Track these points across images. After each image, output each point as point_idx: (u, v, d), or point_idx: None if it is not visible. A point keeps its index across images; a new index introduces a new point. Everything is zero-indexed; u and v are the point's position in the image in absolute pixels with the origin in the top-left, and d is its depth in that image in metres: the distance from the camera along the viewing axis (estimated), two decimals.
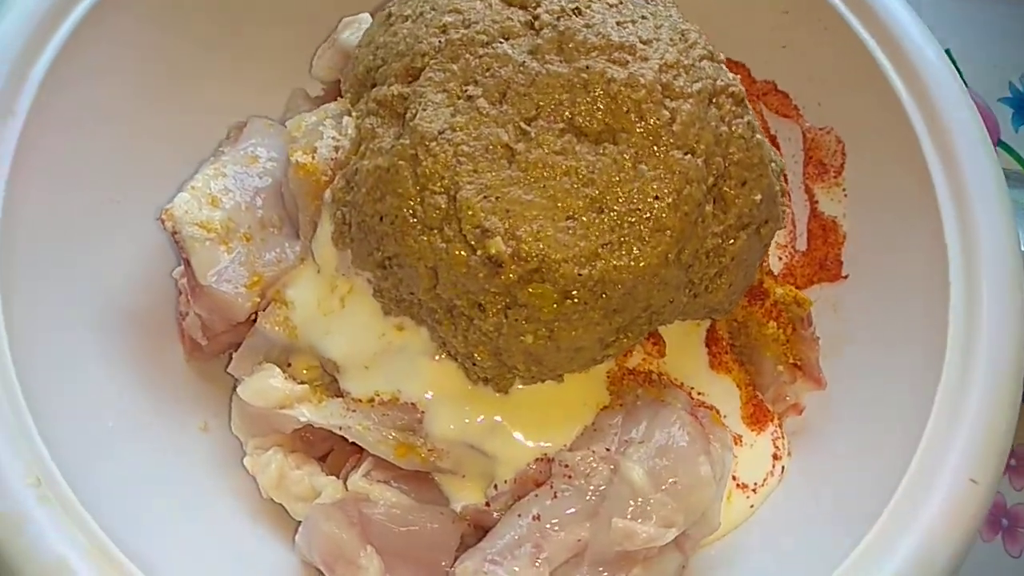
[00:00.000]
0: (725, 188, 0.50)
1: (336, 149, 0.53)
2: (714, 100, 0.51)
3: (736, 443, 0.54)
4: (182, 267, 0.55)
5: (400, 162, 0.48)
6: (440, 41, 0.51)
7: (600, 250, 0.46)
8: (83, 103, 0.55)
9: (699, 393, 0.55)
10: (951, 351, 0.51)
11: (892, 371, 0.54)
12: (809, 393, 0.57)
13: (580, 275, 0.46)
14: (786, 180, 0.60)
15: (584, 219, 0.46)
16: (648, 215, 0.47)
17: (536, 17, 0.51)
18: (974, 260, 0.53)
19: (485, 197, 0.46)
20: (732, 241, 0.51)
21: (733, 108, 0.51)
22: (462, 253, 0.46)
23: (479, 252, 0.46)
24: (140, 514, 0.47)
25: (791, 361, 0.56)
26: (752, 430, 0.55)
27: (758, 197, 0.51)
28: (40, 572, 0.41)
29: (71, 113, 0.54)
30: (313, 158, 0.53)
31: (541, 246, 0.46)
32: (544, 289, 0.46)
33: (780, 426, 0.56)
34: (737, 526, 0.53)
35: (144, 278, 0.57)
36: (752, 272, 0.54)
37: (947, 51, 0.79)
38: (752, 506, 0.53)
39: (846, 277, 0.60)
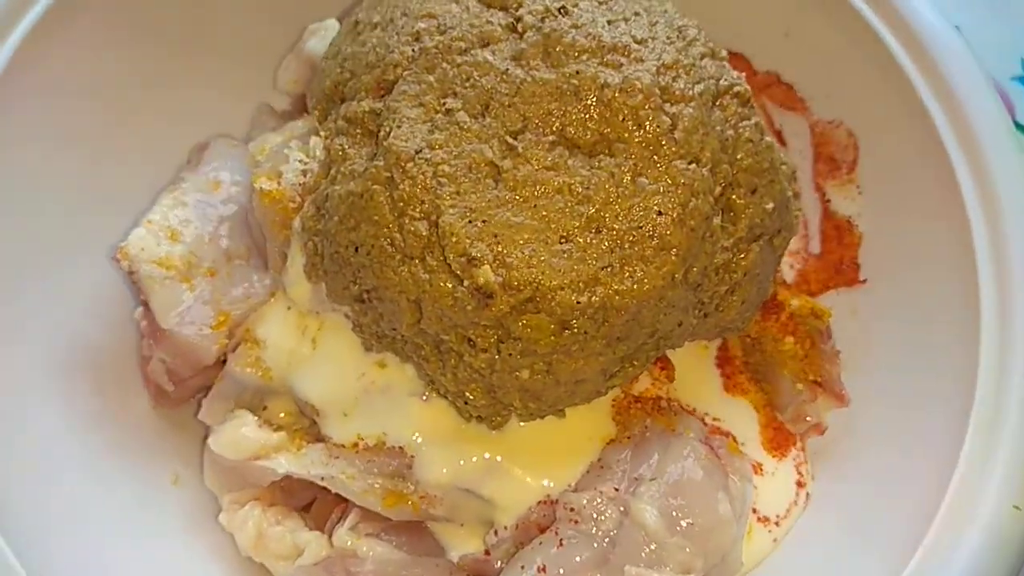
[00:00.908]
0: (734, 197, 0.46)
1: (304, 173, 0.49)
2: (718, 102, 0.46)
3: (756, 472, 0.50)
4: (142, 308, 0.51)
5: (374, 186, 0.43)
6: (414, 50, 0.46)
7: (600, 274, 0.42)
8: (36, 120, 0.51)
9: (714, 419, 0.51)
10: (984, 364, 0.47)
11: (921, 386, 0.50)
12: (832, 411, 0.53)
13: (579, 303, 0.41)
14: (796, 181, 0.56)
15: (580, 241, 0.42)
16: (651, 233, 0.42)
17: (518, 19, 0.46)
18: (1005, 261, 0.49)
19: (470, 221, 0.42)
20: (743, 255, 0.46)
21: (739, 109, 0.46)
22: (447, 284, 0.42)
23: (466, 282, 0.42)
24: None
25: (811, 378, 0.52)
26: (773, 456, 0.51)
27: (770, 205, 0.46)
28: None
29: (21, 132, 0.50)
30: (279, 184, 0.49)
31: (534, 273, 0.41)
32: (540, 320, 0.42)
33: (803, 449, 0.52)
34: (760, 563, 0.49)
35: (105, 315, 0.53)
36: (766, 286, 0.50)
37: (956, 28, 0.76)
38: (775, 540, 0.49)
39: (864, 281, 0.56)
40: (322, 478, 0.48)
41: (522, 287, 0.41)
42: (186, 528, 0.50)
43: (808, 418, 0.52)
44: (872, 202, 0.56)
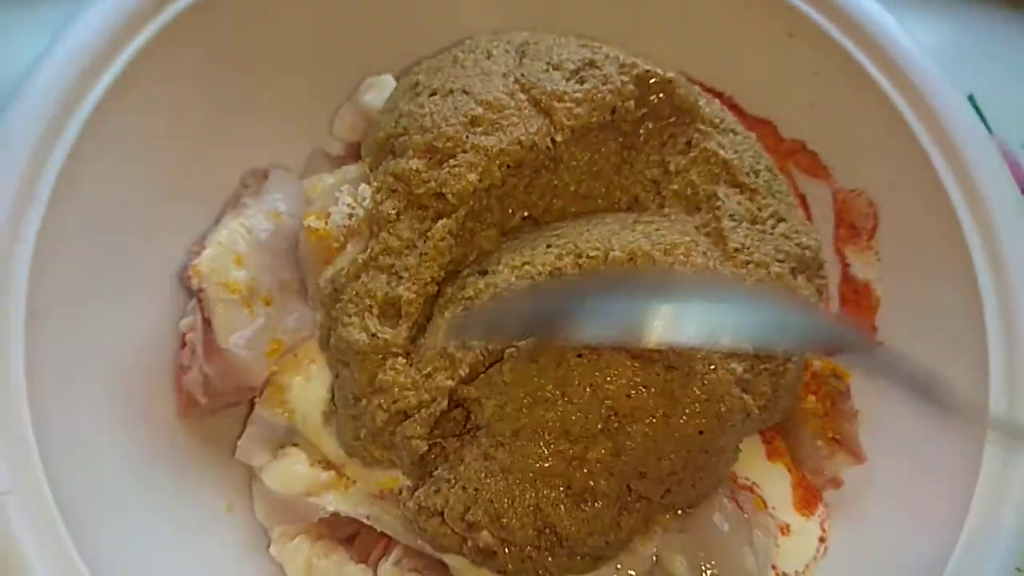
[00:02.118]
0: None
1: (350, 216, 0.52)
2: None
3: (783, 533, 0.53)
4: (191, 319, 0.53)
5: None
6: (468, 134, 0.50)
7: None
8: (107, 176, 0.53)
9: (745, 478, 0.54)
10: (992, 428, 0.50)
11: (931, 445, 0.53)
12: (848, 468, 0.56)
13: (607, 543, 0.46)
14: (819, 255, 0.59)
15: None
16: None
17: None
18: (1013, 328, 0.53)
19: (463, 488, 0.45)
20: (783, 375, 0.50)
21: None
22: (453, 538, 0.46)
23: (469, 543, 0.45)
24: None
25: (830, 435, 0.55)
26: (802, 515, 0.54)
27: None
28: None
29: (94, 188, 0.52)
30: (326, 223, 0.52)
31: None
32: (572, 562, 0.46)
33: (825, 504, 0.55)
34: None
35: (157, 343, 0.55)
36: (801, 373, 0.53)
37: (970, 96, 0.79)
38: None
39: (881, 343, 0.59)
40: (368, 517, 0.51)
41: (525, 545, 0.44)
42: (239, 555, 0.53)
43: (825, 472, 0.56)
44: (889, 268, 0.60)
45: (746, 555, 0.49)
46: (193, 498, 0.53)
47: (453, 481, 0.45)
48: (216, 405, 0.54)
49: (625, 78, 0.53)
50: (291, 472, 0.52)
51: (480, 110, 0.50)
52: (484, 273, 0.49)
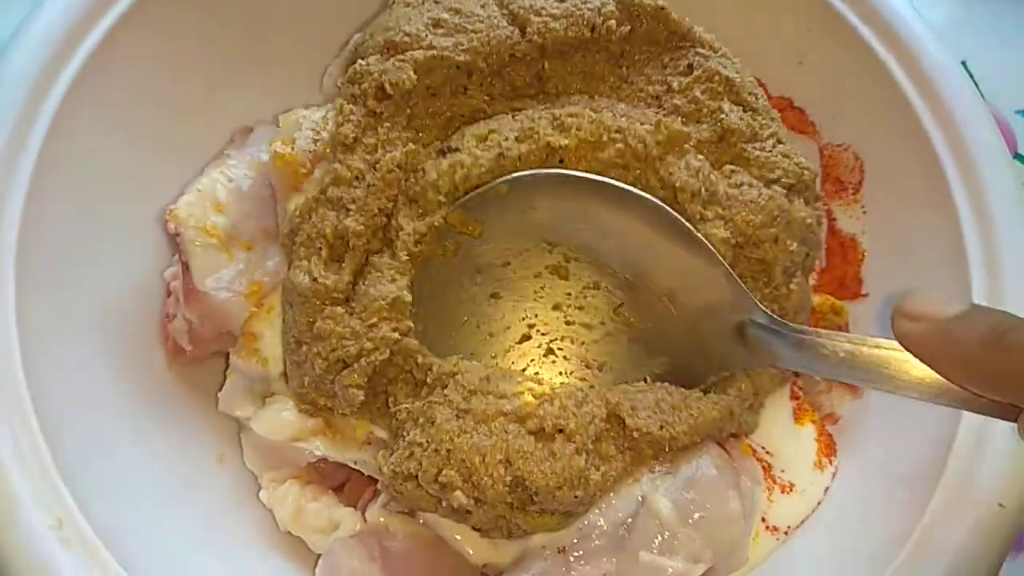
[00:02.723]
0: (762, 250, 0.50)
1: (315, 141, 0.52)
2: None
3: (785, 491, 0.53)
4: (174, 268, 0.54)
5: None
6: (430, 33, 0.50)
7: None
8: (100, 126, 0.54)
9: (763, 448, 0.55)
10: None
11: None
12: (846, 402, 0.56)
13: (577, 496, 0.46)
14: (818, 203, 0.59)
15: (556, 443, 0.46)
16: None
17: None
18: (997, 279, 0.53)
19: (435, 450, 0.45)
20: (787, 298, 0.51)
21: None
22: (427, 495, 0.46)
23: (444, 502, 0.46)
24: (161, 552, 0.47)
25: None
26: (817, 470, 0.54)
27: (794, 245, 0.50)
28: None
29: (86, 138, 0.53)
30: (292, 148, 0.52)
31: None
32: (544, 519, 0.46)
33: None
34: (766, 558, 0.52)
35: (146, 295, 0.56)
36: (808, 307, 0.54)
37: (963, 63, 0.80)
38: (780, 541, 0.53)
39: (866, 295, 0.60)
40: (355, 462, 0.51)
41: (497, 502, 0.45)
42: (229, 502, 0.53)
43: (824, 407, 0.56)
44: (875, 221, 0.60)
45: (731, 498, 0.49)
46: (184, 447, 0.54)
47: (425, 444, 0.45)
48: (202, 353, 0.55)
49: (608, 2, 0.53)
50: (279, 419, 0.52)
51: (446, 15, 0.51)
52: (445, 152, 0.48)
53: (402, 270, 0.48)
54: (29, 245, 0.48)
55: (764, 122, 0.55)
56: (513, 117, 0.50)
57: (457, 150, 0.48)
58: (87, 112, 0.52)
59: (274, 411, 0.52)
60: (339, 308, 0.48)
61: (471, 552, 0.49)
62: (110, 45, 0.53)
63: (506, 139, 0.48)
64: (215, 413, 0.55)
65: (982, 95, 0.78)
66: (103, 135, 0.54)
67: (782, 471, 0.54)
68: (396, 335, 0.47)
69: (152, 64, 0.56)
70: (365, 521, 0.51)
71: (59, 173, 0.51)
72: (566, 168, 0.49)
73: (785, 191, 0.53)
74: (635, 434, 0.47)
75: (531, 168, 0.48)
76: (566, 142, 0.48)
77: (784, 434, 0.55)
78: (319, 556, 0.51)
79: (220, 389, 0.55)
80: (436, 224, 0.48)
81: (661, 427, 0.47)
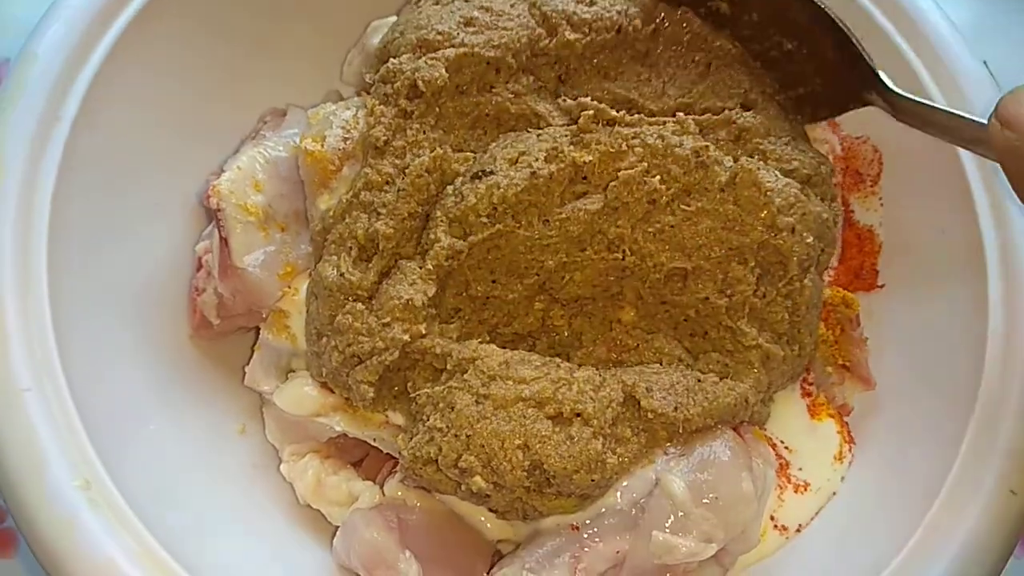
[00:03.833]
0: (778, 242, 0.50)
1: (345, 139, 0.53)
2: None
3: (800, 491, 0.54)
4: (208, 243, 0.55)
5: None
6: (462, 33, 0.51)
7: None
8: (129, 104, 0.55)
9: (781, 442, 0.55)
10: (989, 365, 0.51)
11: (929, 382, 0.54)
12: (858, 394, 0.57)
13: (593, 480, 0.47)
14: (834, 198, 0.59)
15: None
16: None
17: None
18: (1012, 271, 0.53)
19: (455, 435, 0.46)
20: (800, 293, 0.51)
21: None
22: (448, 480, 0.47)
23: (463, 487, 0.47)
24: (184, 517, 0.48)
25: (840, 362, 0.56)
26: (841, 460, 0.55)
27: (811, 238, 0.51)
28: (90, 574, 0.42)
29: (116, 114, 0.54)
30: (322, 146, 0.53)
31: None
32: (561, 501, 0.47)
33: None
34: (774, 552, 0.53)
35: (173, 268, 0.57)
36: (820, 304, 0.54)
37: (984, 62, 0.80)
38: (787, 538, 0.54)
39: (882, 287, 0.60)
40: (374, 439, 0.52)
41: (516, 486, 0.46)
42: (251, 473, 0.54)
43: (836, 399, 0.57)
44: (892, 213, 0.60)
45: (744, 479, 0.49)
46: (207, 418, 0.55)
47: (446, 429, 0.46)
48: (228, 328, 0.56)
49: (634, 5, 0.55)
50: (301, 393, 0.53)
51: (477, 13, 0.52)
52: (481, 176, 0.49)
53: (425, 277, 0.48)
54: (61, 218, 0.49)
55: (779, 122, 0.56)
56: (538, 137, 0.51)
57: (492, 172, 0.49)
58: (117, 91, 0.53)
59: (296, 386, 0.53)
60: (360, 304, 0.49)
61: (487, 527, 0.50)
62: (139, 28, 0.54)
63: (536, 160, 0.49)
64: (238, 386, 0.57)
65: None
66: (132, 114, 0.55)
67: (799, 469, 0.55)
68: (407, 337, 0.47)
69: (179, 47, 0.57)
70: (383, 495, 0.52)
71: (89, 149, 0.52)
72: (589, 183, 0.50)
73: (801, 185, 0.53)
74: (649, 415, 0.48)
75: (559, 184, 0.50)
76: (589, 158, 0.49)
77: (802, 430, 0.56)
78: (337, 528, 0.52)
79: (246, 364, 0.56)
80: (474, 243, 0.49)
81: (675, 408, 0.48)
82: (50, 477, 0.43)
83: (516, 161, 0.49)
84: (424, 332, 0.48)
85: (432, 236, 0.49)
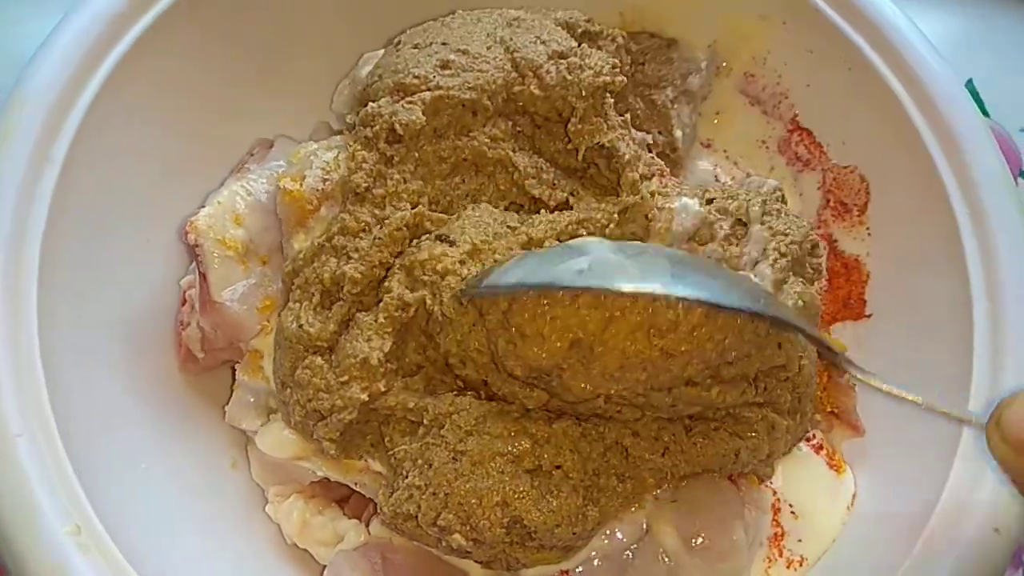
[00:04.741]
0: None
1: (324, 180, 0.54)
2: None
3: (793, 567, 0.53)
4: (191, 277, 0.55)
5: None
6: (438, 76, 0.51)
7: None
8: (119, 143, 0.55)
9: (793, 514, 0.55)
10: (975, 396, 0.51)
11: (916, 415, 0.54)
12: (847, 440, 0.57)
13: (575, 533, 0.46)
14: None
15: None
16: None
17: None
18: (998, 301, 0.53)
19: (433, 494, 0.46)
20: (799, 372, 0.50)
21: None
22: (427, 533, 0.47)
23: (443, 543, 0.47)
24: (175, 559, 0.48)
25: (828, 409, 0.56)
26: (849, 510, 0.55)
27: (801, 302, 0.50)
28: None
29: (107, 153, 0.55)
30: (301, 185, 0.53)
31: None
32: (544, 554, 0.47)
33: None
34: None
35: (162, 304, 0.57)
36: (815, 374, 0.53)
37: (969, 80, 0.80)
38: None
39: (870, 316, 0.60)
40: (356, 484, 0.52)
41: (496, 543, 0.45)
42: (242, 510, 0.55)
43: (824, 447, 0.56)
44: (879, 243, 0.61)
45: (736, 528, 0.49)
46: (198, 454, 0.55)
47: (424, 487, 0.46)
48: (213, 361, 0.56)
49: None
50: (281, 437, 0.53)
51: (453, 56, 0.52)
52: (442, 240, 0.49)
53: (380, 331, 0.48)
54: (51, 258, 0.50)
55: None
56: (512, 232, 0.51)
57: (453, 243, 0.49)
58: (108, 129, 0.54)
59: (276, 429, 0.53)
60: (319, 359, 0.49)
61: (474, 567, 0.50)
62: (128, 65, 0.55)
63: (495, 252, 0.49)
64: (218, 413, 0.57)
65: (987, 113, 0.79)
66: (123, 152, 0.56)
67: (799, 540, 0.54)
68: (365, 396, 0.47)
69: (169, 84, 0.58)
70: (369, 533, 0.52)
71: (80, 188, 0.52)
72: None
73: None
74: (637, 461, 0.48)
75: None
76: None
77: (824, 489, 0.55)
78: (324, 568, 0.52)
79: (226, 402, 0.56)
80: (424, 299, 0.48)
81: (663, 454, 0.48)
82: (41, 523, 0.43)
83: (473, 252, 0.49)
84: (384, 389, 0.48)
85: (387, 284, 0.49)
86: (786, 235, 0.52)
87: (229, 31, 0.60)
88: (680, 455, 0.48)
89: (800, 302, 0.50)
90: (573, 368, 0.44)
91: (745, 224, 0.52)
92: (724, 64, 0.67)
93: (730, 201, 0.52)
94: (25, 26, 0.74)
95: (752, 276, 0.51)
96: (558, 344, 0.44)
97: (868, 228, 0.62)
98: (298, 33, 0.64)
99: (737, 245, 0.51)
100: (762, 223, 0.52)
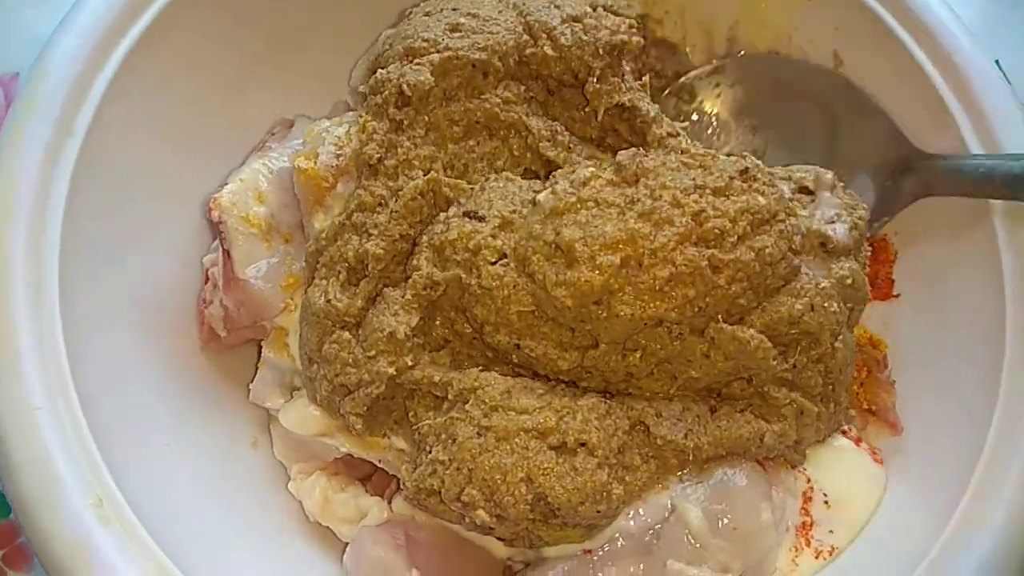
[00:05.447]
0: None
1: (338, 156, 0.54)
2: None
3: (822, 557, 0.52)
4: (214, 255, 0.55)
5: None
6: (448, 39, 0.51)
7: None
8: (140, 118, 0.56)
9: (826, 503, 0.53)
10: (1007, 373, 0.50)
11: (948, 392, 0.53)
12: (884, 439, 0.55)
13: (599, 512, 0.45)
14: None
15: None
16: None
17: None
18: None
19: (457, 468, 0.45)
20: (832, 357, 0.49)
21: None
22: (452, 509, 0.46)
23: (467, 519, 0.46)
24: (196, 534, 0.48)
25: (864, 406, 0.55)
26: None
27: (835, 307, 0.48)
28: None
29: (128, 129, 0.55)
30: (315, 163, 0.53)
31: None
32: (566, 532, 0.46)
33: None
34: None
35: (183, 281, 0.57)
36: (853, 363, 0.53)
37: (996, 61, 0.79)
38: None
39: (898, 296, 0.59)
40: (379, 460, 0.52)
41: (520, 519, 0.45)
42: (262, 487, 0.55)
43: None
44: (908, 222, 0.59)
45: (763, 510, 0.48)
46: (219, 432, 0.55)
47: (448, 462, 0.45)
48: (235, 339, 0.56)
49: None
50: (305, 414, 0.53)
51: (464, 19, 0.52)
52: (471, 216, 0.49)
53: (407, 307, 0.48)
54: (73, 233, 0.50)
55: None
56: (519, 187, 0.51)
57: (482, 219, 0.49)
58: (129, 104, 0.54)
59: (300, 406, 0.53)
60: (347, 333, 0.49)
61: (497, 545, 0.50)
62: (151, 39, 0.54)
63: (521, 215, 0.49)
64: (248, 400, 0.57)
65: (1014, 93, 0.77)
66: (144, 127, 0.55)
67: (830, 532, 0.52)
68: (392, 370, 0.47)
69: (191, 61, 0.58)
70: (392, 511, 0.52)
71: (101, 163, 0.52)
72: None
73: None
74: (659, 441, 0.47)
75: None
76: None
77: (858, 482, 0.54)
78: (347, 545, 0.52)
79: (253, 378, 0.56)
80: (458, 277, 0.48)
81: (686, 435, 0.47)
82: (63, 496, 0.43)
83: (504, 224, 0.48)
84: (411, 364, 0.48)
85: (415, 262, 0.49)
86: (855, 209, 0.52)
87: (249, 9, 0.60)
88: (703, 436, 0.48)
89: (851, 279, 0.50)
90: (622, 289, 0.44)
91: (811, 192, 0.52)
92: (742, 53, 0.65)
93: (794, 170, 0.52)
94: (42, 7, 0.74)
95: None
96: (608, 260, 0.44)
97: None
98: (318, 12, 0.63)
99: (804, 208, 0.51)
100: (832, 191, 0.52)
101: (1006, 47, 0.79)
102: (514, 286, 0.46)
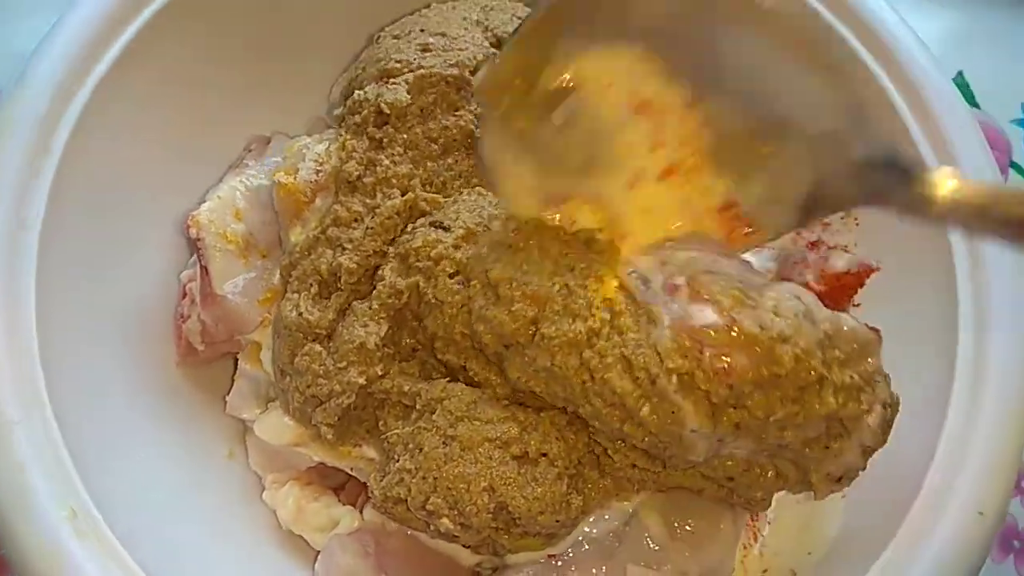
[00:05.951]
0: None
1: (317, 172, 0.55)
2: None
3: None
4: (192, 271, 0.56)
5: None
6: (420, 58, 0.52)
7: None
8: (118, 136, 0.56)
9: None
10: (959, 382, 0.52)
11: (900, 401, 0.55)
12: None
13: (557, 521, 0.46)
14: None
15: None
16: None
17: None
18: (983, 288, 0.54)
19: (423, 477, 0.46)
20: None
21: None
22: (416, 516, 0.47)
23: (431, 526, 0.47)
24: (172, 546, 0.49)
25: None
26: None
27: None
28: None
29: (106, 146, 0.55)
30: (295, 178, 0.54)
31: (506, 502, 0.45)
32: (528, 541, 0.47)
33: None
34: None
35: (160, 297, 0.58)
36: None
37: (959, 72, 0.81)
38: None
39: (858, 306, 0.61)
40: (351, 469, 0.53)
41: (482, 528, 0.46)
42: (238, 499, 0.55)
43: None
44: (866, 232, 0.61)
45: (723, 518, 0.50)
46: (195, 444, 0.56)
47: (414, 471, 0.46)
48: (213, 354, 0.57)
49: None
50: (279, 423, 0.54)
51: (433, 40, 0.54)
52: (437, 226, 0.49)
53: (375, 317, 0.49)
54: (50, 249, 0.50)
55: None
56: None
57: (448, 229, 0.49)
58: (107, 121, 0.55)
59: (275, 416, 0.54)
60: (318, 346, 0.50)
61: (463, 553, 0.51)
62: (130, 56, 0.55)
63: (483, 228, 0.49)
64: (224, 413, 0.58)
65: (977, 105, 0.80)
66: (122, 144, 0.56)
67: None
68: (363, 380, 0.48)
69: (168, 80, 0.59)
70: (363, 519, 0.53)
71: (79, 181, 0.53)
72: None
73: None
74: (616, 464, 0.48)
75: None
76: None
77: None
78: (319, 553, 0.53)
79: (229, 391, 0.57)
80: (417, 284, 0.49)
81: (633, 467, 0.48)
82: (37, 507, 0.44)
83: (467, 236, 0.49)
84: (381, 373, 0.49)
85: (381, 272, 0.50)
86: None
87: (226, 30, 0.61)
88: (649, 475, 0.48)
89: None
90: (519, 348, 0.45)
91: None
92: None
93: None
94: (23, 23, 0.75)
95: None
96: (522, 311, 0.44)
97: (856, 219, 0.62)
98: (295, 31, 0.65)
99: None
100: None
101: (971, 58, 0.81)
102: (461, 305, 0.47)
